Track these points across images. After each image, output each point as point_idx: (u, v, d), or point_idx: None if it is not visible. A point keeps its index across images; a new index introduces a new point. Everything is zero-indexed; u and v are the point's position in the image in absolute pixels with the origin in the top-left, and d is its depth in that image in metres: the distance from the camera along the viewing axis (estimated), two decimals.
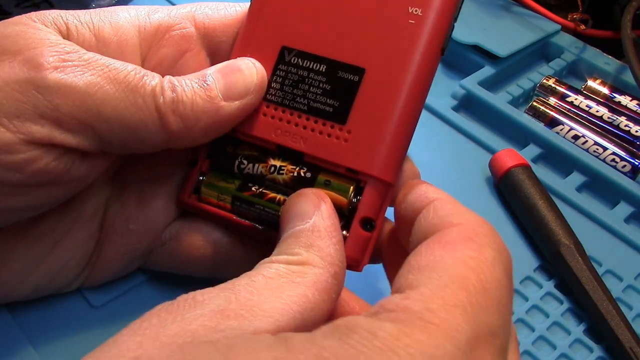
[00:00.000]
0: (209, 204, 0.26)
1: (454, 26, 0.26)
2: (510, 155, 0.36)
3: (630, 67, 0.40)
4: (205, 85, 0.24)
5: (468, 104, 0.42)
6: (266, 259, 0.21)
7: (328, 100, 0.25)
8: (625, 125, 0.40)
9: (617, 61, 0.45)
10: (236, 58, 0.26)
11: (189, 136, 0.24)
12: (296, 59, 0.26)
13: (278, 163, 0.25)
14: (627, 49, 0.40)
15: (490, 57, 0.44)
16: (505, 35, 0.45)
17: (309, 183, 0.25)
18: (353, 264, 0.24)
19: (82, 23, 0.25)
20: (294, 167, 0.25)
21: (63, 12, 0.25)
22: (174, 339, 0.17)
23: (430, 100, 0.41)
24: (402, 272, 0.19)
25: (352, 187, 0.24)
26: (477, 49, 0.44)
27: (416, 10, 0.25)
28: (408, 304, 0.17)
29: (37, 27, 0.24)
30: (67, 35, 0.24)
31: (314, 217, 0.22)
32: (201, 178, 0.27)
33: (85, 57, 0.23)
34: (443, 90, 0.43)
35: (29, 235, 0.26)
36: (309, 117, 0.25)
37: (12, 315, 0.28)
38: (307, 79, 0.25)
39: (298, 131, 0.25)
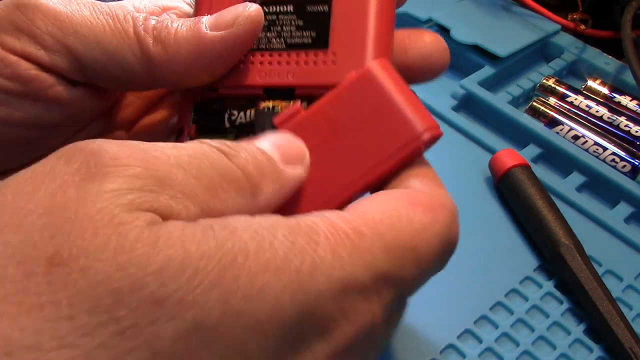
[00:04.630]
0: None
1: None
2: (510, 155, 0.36)
3: (630, 67, 0.40)
4: (196, 19, 0.24)
5: (468, 104, 0.42)
6: (219, 143, 0.19)
7: (304, 33, 0.25)
8: (625, 126, 0.40)
9: (617, 61, 0.45)
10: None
11: (171, 67, 0.23)
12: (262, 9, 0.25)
13: (270, 104, 0.25)
14: (627, 49, 0.40)
15: (490, 57, 0.44)
16: (505, 35, 0.45)
17: None
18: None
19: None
20: (288, 103, 0.25)
21: None
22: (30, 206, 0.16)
23: (430, 100, 0.41)
24: (352, 208, 0.19)
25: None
26: (477, 49, 0.44)
27: None
28: (338, 218, 0.18)
29: None
30: None
31: (291, 167, 0.21)
32: None
33: None
34: (443, 90, 0.43)
35: None
36: (289, 53, 0.25)
37: None
38: (277, 21, 0.25)
39: (282, 68, 0.25)
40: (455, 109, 0.42)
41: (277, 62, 0.25)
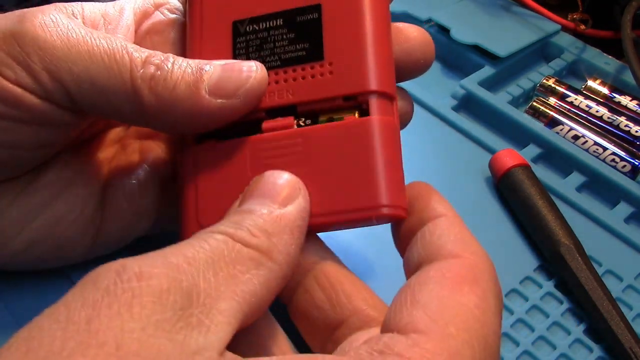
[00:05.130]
0: None
1: None
2: (510, 155, 0.36)
3: (630, 67, 0.40)
4: (198, 72, 0.23)
5: (468, 104, 0.42)
6: (220, 226, 0.20)
7: (297, 46, 0.24)
8: (625, 125, 0.40)
9: (617, 61, 0.45)
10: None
11: (164, 119, 0.23)
12: (251, 26, 0.25)
13: (273, 123, 0.24)
14: (627, 49, 0.40)
15: (490, 57, 0.44)
16: (505, 35, 0.45)
17: None
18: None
19: (93, 7, 0.26)
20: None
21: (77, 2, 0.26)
22: (142, 358, 0.16)
23: (430, 100, 0.41)
24: (404, 302, 0.19)
25: (356, 113, 0.23)
26: (477, 49, 0.44)
27: None
28: (417, 354, 0.17)
29: (58, 7, 0.25)
30: (82, 18, 0.25)
31: (289, 207, 0.21)
32: None
33: (75, 25, 0.24)
34: (443, 90, 0.43)
35: (31, 187, 0.26)
36: (286, 70, 0.24)
37: (10, 312, 0.28)
38: (269, 38, 0.25)
39: (281, 87, 0.24)
40: (455, 109, 0.42)
41: (275, 82, 0.24)
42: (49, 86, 0.23)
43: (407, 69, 0.26)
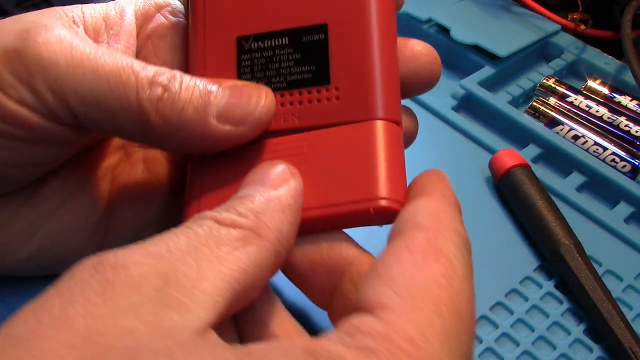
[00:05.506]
0: None
1: None
2: (510, 155, 0.36)
3: (630, 67, 0.40)
4: (206, 96, 0.22)
5: (468, 104, 0.42)
6: (207, 212, 0.20)
7: (304, 67, 0.24)
8: (625, 125, 0.40)
9: (617, 61, 0.45)
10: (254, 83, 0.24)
11: (170, 140, 0.23)
12: (256, 44, 0.25)
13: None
14: (627, 49, 0.40)
15: (490, 57, 0.44)
16: (505, 35, 0.45)
17: None
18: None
19: (94, 11, 0.26)
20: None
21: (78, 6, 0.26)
22: (112, 341, 0.16)
23: (430, 100, 0.41)
24: (370, 281, 0.19)
25: None
26: (477, 49, 0.44)
27: None
28: (386, 331, 0.17)
29: (58, 14, 0.24)
30: (83, 23, 0.25)
31: (280, 190, 0.21)
32: None
33: (79, 41, 0.23)
34: (443, 90, 0.43)
35: (35, 197, 0.26)
36: (292, 92, 0.24)
37: (10, 313, 0.28)
38: (274, 57, 0.24)
39: (286, 110, 0.24)
40: (455, 109, 0.42)
41: (281, 104, 0.24)
42: (53, 106, 0.22)
43: (413, 86, 0.25)
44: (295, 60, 0.24)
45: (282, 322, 0.22)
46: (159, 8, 0.27)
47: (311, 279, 0.23)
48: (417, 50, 0.25)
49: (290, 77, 0.24)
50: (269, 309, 0.22)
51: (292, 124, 0.24)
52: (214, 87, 0.23)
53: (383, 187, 0.22)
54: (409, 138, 0.26)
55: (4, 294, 0.28)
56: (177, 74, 0.23)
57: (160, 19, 0.27)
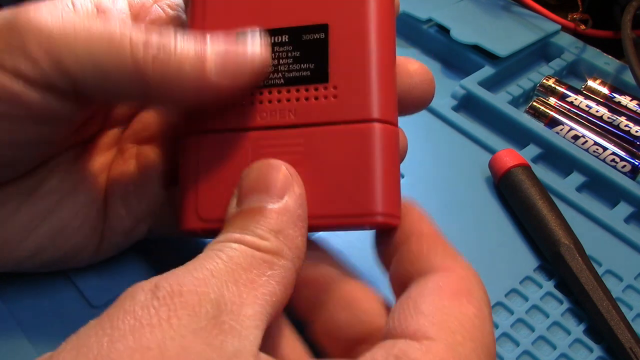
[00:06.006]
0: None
1: None
2: (510, 155, 0.36)
3: (630, 67, 0.40)
4: (202, 51, 0.22)
5: (468, 104, 0.42)
6: (230, 234, 0.21)
7: (302, 65, 0.24)
8: (625, 125, 0.40)
9: (617, 61, 0.45)
10: (246, 32, 0.24)
11: (168, 95, 0.23)
12: None
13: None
14: (627, 49, 0.40)
15: (490, 57, 0.44)
16: (505, 35, 0.45)
17: None
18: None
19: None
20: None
21: None
22: None
23: None
24: (408, 311, 0.20)
25: None
26: (477, 49, 0.44)
27: None
28: (432, 358, 0.18)
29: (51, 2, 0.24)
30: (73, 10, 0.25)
31: (286, 198, 0.21)
32: None
33: (69, 10, 0.23)
34: (443, 90, 0.43)
35: (35, 194, 0.26)
36: (289, 89, 0.24)
37: (10, 313, 0.28)
38: (273, 54, 0.24)
39: (283, 106, 0.24)
40: (455, 109, 0.42)
41: (277, 100, 0.24)
42: (51, 72, 0.22)
43: (406, 104, 0.26)
44: (294, 57, 0.24)
45: (292, 345, 0.22)
46: (156, 0, 0.27)
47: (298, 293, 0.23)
48: (412, 69, 0.26)
49: (288, 74, 0.24)
50: (280, 331, 0.22)
51: (288, 120, 0.24)
52: (208, 42, 0.23)
53: (380, 203, 0.22)
54: (401, 152, 0.26)
55: (4, 291, 0.28)
56: (172, 31, 0.23)
57: (157, 12, 0.27)
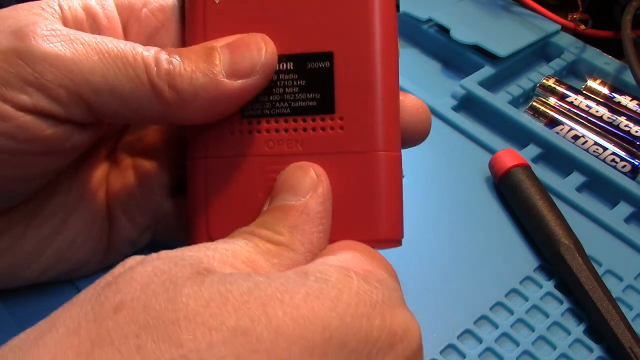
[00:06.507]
0: None
1: None
2: (510, 155, 0.36)
3: (630, 67, 0.40)
4: (209, 57, 0.22)
5: (468, 104, 0.42)
6: (248, 228, 0.21)
7: (308, 95, 0.24)
8: (625, 125, 0.40)
9: (617, 61, 0.45)
10: (247, 33, 0.24)
11: (187, 111, 0.23)
12: None
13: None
14: (627, 49, 0.40)
15: (490, 57, 0.44)
16: (505, 35, 0.45)
17: None
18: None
19: (72, 2, 0.25)
20: None
21: None
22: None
23: (430, 100, 0.41)
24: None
25: None
26: (477, 49, 0.44)
27: None
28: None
29: (37, 10, 0.23)
30: (62, 17, 0.24)
31: (308, 197, 0.22)
32: None
33: (74, 32, 0.22)
34: (443, 90, 0.43)
35: (40, 215, 0.26)
36: (295, 119, 0.24)
37: (11, 315, 0.28)
38: (279, 82, 0.24)
39: (290, 136, 0.24)
40: (455, 109, 0.42)
41: (284, 130, 0.24)
42: (67, 102, 0.22)
43: (402, 138, 0.25)
44: (300, 86, 0.24)
45: None
46: (146, 3, 0.26)
47: None
48: (410, 104, 0.26)
49: (294, 104, 0.24)
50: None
51: (295, 151, 0.24)
52: (213, 49, 0.23)
53: (384, 229, 0.23)
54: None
55: (4, 292, 0.28)
56: (175, 48, 0.23)
57: (148, 18, 0.26)
